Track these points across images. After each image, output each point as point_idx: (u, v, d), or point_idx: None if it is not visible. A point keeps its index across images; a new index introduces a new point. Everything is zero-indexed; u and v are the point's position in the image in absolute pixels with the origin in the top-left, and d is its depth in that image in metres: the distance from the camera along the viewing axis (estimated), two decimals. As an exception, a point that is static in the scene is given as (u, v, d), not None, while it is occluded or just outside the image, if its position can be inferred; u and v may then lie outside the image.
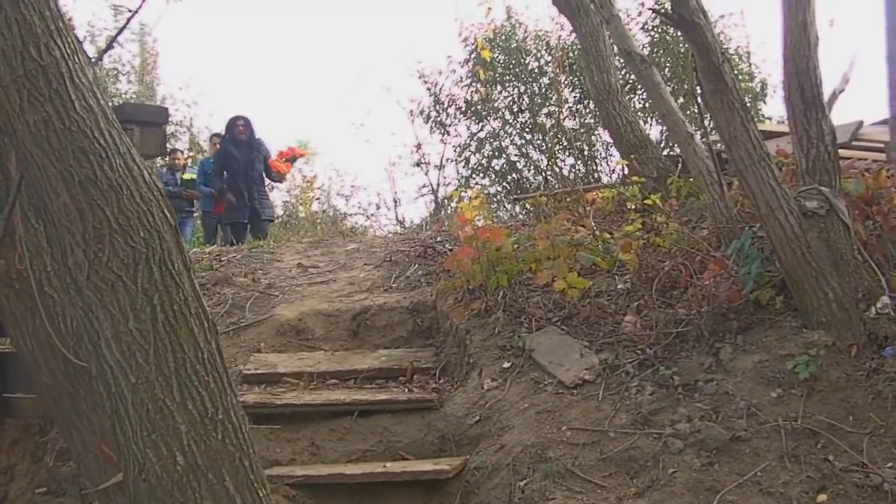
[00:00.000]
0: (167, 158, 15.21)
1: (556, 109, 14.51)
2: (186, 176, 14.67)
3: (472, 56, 15.23)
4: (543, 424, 4.81)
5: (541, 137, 14.91)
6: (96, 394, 3.47)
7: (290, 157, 14.03)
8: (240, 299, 7.33)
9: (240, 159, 13.09)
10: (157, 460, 3.21)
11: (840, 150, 5.43)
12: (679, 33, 8.92)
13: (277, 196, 19.41)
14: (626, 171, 8.26)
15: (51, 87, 3.17)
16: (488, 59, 14.39)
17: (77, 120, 3.19)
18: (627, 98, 10.53)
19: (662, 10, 6.99)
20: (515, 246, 6.20)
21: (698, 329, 5.15)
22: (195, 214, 16.01)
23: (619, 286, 6.04)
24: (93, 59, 3.66)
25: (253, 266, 8.39)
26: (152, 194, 3.32)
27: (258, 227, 13.16)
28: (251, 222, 13.24)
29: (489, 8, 14.96)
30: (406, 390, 5.73)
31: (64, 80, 3.20)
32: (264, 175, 13.55)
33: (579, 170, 14.59)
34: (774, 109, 15.36)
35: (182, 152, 15.87)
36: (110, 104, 3.53)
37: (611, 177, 13.39)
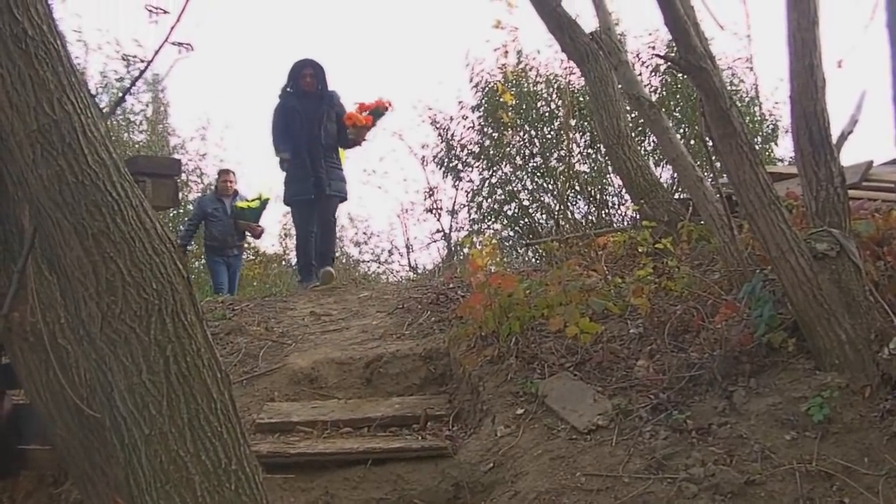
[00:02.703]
0: (216, 181, 13.48)
1: (567, 154, 14.54)
2: (241, 204, 12.50)
3: (485, 101, 15.27)
4: (557, 470, 4.79)
5: (552, 182, 14.93)
6: (110, 445, 3.47)
7: (374, 109, 10.52)
8: (253, 348, 7.34)
9: (303, 115, 10.28)
10: (170, 512, 3.21)
11: (850, 191, 5.43)
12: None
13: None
14: (638, 216, 8.27)
15: (64, 141, 3.20)
16: (510, 103, 14.41)
17: (90, 173, 3.22)
18: (637, 141, 10.56)
19: (670, 56, 6.99)
20: (527, 292, 6.20)
21: (711, 373, 5.13)
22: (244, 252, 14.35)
23: (631, 331, 6.04)
24: (105, 111, 3.70)
25: (266, 315, 8.41)
26: (164, 246, 3.34)
27: (325, 205, 10.40)
28: (317, 199, 10.32)
29: (506, 52, 15.10)
30: (420, 438, 5.71)
31: (77, 134, 3.23)
32: (337, 137, 10.56)
33: (591, 214, 14.61)
34: (786, 151, 15.38)
35: (233, 174, 13.21)
36: (123, 154, 3.56)
37: (622, 221, 13.41)
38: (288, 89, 10.55)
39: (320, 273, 10.15)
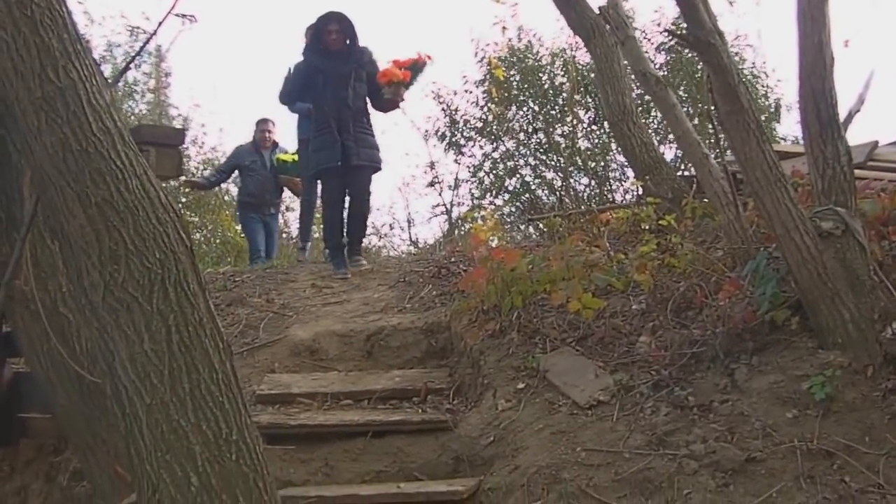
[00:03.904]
0: (254, 132, 12.00)
1: (571, 129, 14.51)
2: (283, 157, 11.43)
3: (488, 76, 15.23)
4: (558, 445, 4.79)
5: (555, 157, 14.90)
6: (111, 414, 3.46)
7: (412, 65, 9.07)
8: (254, 319, 7.33)
9: (327, 74, 8.88)
10: (171, 481, 3.20)
11: (855, 171, 5.42)
12: (694, 54, 8.94)
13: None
14: (641, 192, 8.25)
15: (68, 109, 3.19)
16: (502, 79, 14.34)
17: (94, 142, 3.21)
18: (642, 118, 10.53)
19: (678, 32, 6.96)
20: (530, 266, 6.18)
21: (713, 350, 5.12)
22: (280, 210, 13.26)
23: (633, 307, 6.04)
24: (109, 81, 3.69)
25: (267, 286, 8.40)
26: (168, 215, 3.32)
27: (355, 177, 8.98)
28: (345, 168, 8.86)
29: (504, 28, 15.03)
30: (420, 411, 5.72)
31: (81, 102, 3.21)
32: (367, 100, 9.12)
33: (594, 190, 14.60)
34: (789, 129, 15.36)
35: (272, 123, 11.89)
36: (126, 123, 3.55)
37: (625, 197, 13.39)
38: (311, 43, 9.29)
39: (349, 261, 9.05)
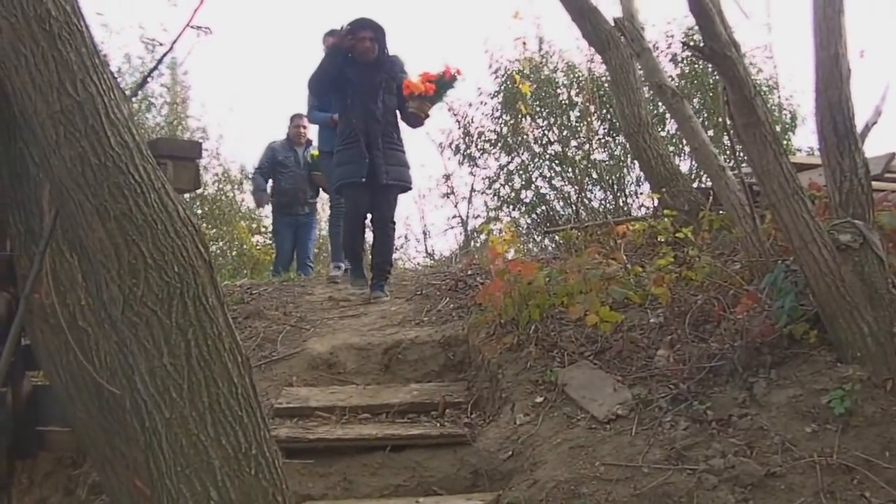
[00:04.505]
0: (288, 128, 11.51)
1: (588, 141, 14.49)
2: (316, 154, 10.55)
3: (503, 87, 15.21)
4: (576, 460, 4.78)
5: (571, 169, 14.89)
6: (130, 428, 3.47)
7: (438, 79, 8.38)
8: (271, 333, 7.33)
9: (358, 85, 8.34)
10: (190, 495, 3.21)
11: (872, 183, 5.40)
12: (709, 65, 8.93)
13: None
14: (657, 204, 8.24)
15: (87, 122, 3.21)
16: (528, 93, 14.27)
17: (112, 155, 3.23)
18: (657, 130, 10.52)
19: (694, 44, 6.96)
20: (547, 279, 6.17)
21: (732, 363, 5.11)
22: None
23: (651, 320, 6.02)
24: (128, 94, 3.71)
25: (284, 299, 8.41)
26: (187, 229, 3.34)
27: (382, 198, 8.42)
28: (371, 186, 8.29)
29: (524, 42, 15.02)
30: (438, 425, 5.70)
31: (100, 115, 3.24)
32: (398, 113, 8.57)
33: (609, 202, 14.57)
34: (804, 140, 15.32)
35: (306, 118, 10.82)
36: (144, 136, 3.57)
37: (640, 210, 13.37)
38: (342, 50, 8.43)
39: (371, 294, 8.39)
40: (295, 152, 11.35)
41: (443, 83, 8.39)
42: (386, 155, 8.29)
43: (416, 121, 8.54)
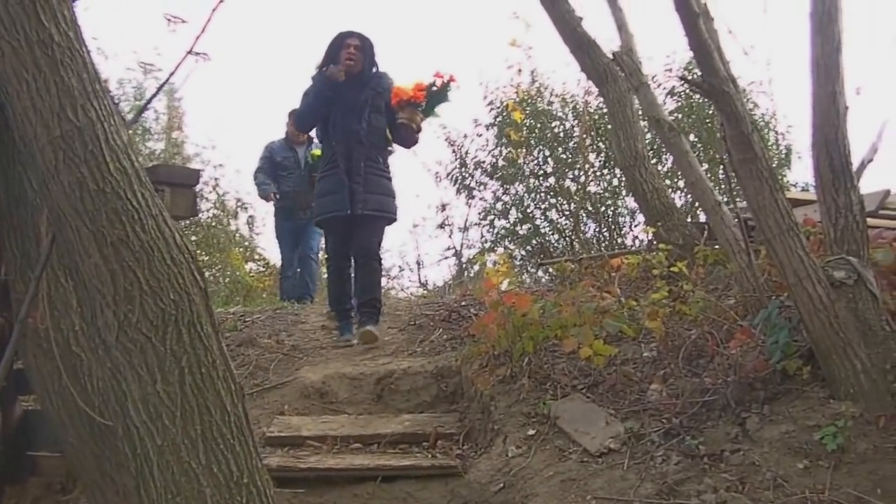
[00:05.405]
0: (286, 125, 10.97)
1: (583, 173, 14.52)
2: (317, 153, 9.34)
3: (498, 119, 15.26)
4: (568, 493, 4.77)
5: (566, 202, 14.90)
6: (121, 454, 3.46)
7: (429, 87, 7.73)
8: (264, 361, 7.32)
9: (339, 103, 7.67)
10: (181, 524, 3.20)
11: (867, 219, 5.42)
12: (706, 99, 8.97)
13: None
14: (652, 238, 8.25)
15: (86, 148, 3.21)
16: (520, 121, 14.28)
17: (111, 181, 3.23)
18: (654, 163, 10.54)
19: (692, 79, 6.99)
20: (541, 312, 6.17)
21: (725, 398, 5.10)
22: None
23: (645, 354, 6.02)
24: (127, 121, 3.71)
25: (277, 327, 8.40)
26: (183, 256, 3.34)
27: (363, 229, 7.71)
28: (352, 217, 7.63)
29: (519, 70, 15.07)
30: (430, 456, 5.69)
31: (99, 141, 3.24)
32: (387, 131, 7.91)
33: (603, 235, 14.60)
34: (799, 175, 15.34)
35: None
36: (142, 163, 3.57)
37: (635, 243, 13.38)
38: (323, 69, 7.80)
39: (358, 332, 7.79)
40: (294, 152, 10.88)
41: (436, 92, 7.77)
42: (367, 181, 7.63)
43: (408, 135, 7.87)
